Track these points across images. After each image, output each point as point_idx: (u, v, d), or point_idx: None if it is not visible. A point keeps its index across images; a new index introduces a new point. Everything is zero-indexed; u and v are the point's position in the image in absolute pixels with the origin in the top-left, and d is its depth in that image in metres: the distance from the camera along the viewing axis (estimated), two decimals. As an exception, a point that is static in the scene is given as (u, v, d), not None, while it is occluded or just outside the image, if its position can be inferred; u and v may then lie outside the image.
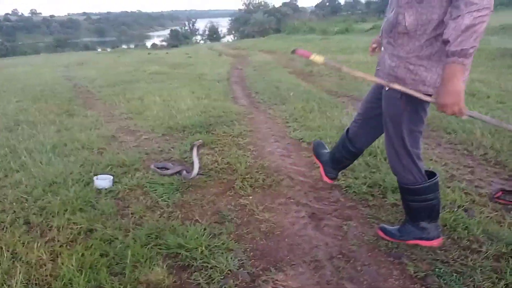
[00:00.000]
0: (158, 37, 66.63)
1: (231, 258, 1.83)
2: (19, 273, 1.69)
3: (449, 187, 2.53)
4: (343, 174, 2.70)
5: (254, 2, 52.47)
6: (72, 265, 1.74)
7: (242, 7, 53.92)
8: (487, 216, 2.17)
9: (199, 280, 1.71)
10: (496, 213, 2.23)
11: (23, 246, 1.91)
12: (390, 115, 1.77)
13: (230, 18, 57.20)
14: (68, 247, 1.94)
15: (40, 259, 1.83)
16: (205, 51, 16.91)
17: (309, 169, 2.91)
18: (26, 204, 2.38)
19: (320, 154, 2.49)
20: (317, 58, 1.70)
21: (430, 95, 1.61)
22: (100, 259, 1.81)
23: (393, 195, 2.40)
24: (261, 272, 1.78)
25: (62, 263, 1.77)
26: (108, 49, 28.71)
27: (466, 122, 3.73)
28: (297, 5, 58.59)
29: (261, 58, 12.07)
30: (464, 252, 1.87)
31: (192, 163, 2.74)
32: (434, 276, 1.71)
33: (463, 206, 2.29)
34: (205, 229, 2.07)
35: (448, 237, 1.99)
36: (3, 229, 2.08)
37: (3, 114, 4.75)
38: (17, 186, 2.62)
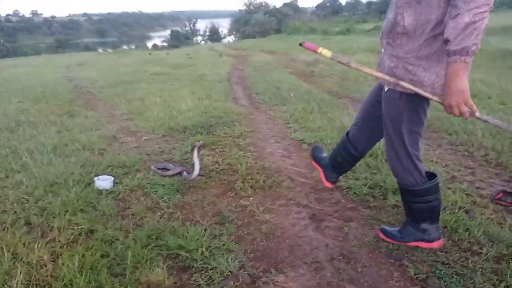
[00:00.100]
0: (158, 38, 66.63)
1: (232, 259, 1.83)
2: (20, 273, 1.69)
3: (450, 189, 2.53)
4: (344, 175, 2.69)
5: (255, 2, 52.50)
6: (73, 266, 1.74)
7: (243, 8, 53.95)
8: (488, 218, 2.17)
9: (200, 281, 1.71)
10: (497, 214, 2.22)
11: (24, 246, 1.92)
12: (390, 116, 1.77)
13: (230, 19, 57.27)
14: (68, 247, 1.94)
15: (41, 259, 1.83)
16: (205, 52, 16.90)
17: (309, 170, 2.91)
18: (27, 204, 2.38)
19: (319, 158, 2.42)
20: (325, 51, 1.67)
21: None
22: (100, 260, 1.81)
23: (394, 197, 2.40)
24: (261, 274, 1.78)
25: (63, 264, 1.77)
26: (109, 50, 28.69)
27: (467, 124, 3.72)
28: (298, 6, 58.60)
29: (261, 58, 12.08)
30: (465, 253, 1.87)
31: (193, 164, 2.74)
32: (434, 278, 1.71)
33: (464, 207, 2.28)
34: (205, 230, 2.07)
35: (448, 238, 1.99)
36: (4, 229, 2.09)
37: (4, 115, 4.76)
38: (18, 187, 2.63)
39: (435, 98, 1.57)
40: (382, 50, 1.79)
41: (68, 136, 3.79)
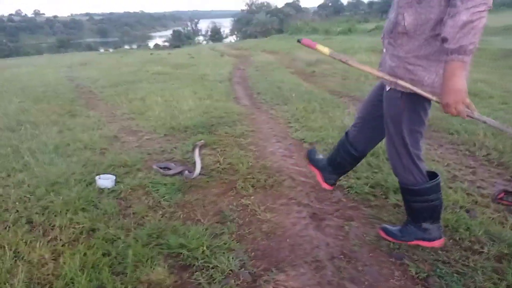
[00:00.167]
0: (160, 38, 66.77)
1: (233, 258, 1.84)
2: (21, 272, 1.70)
3: (451, 188, 2.53)
4: (345, 174, 2.69)
5: (257, 2, 52.44)
6: (74, 265, 1.74)
7: (245, 8, 53.84)
8: (489, 217, 2.17)
9: (200, 280, 1.71)
10: (498, 214, 2.22)
11: (26, 245, 1.92)
12: (391, 115, 1.77)
13: (232, 19, 57.16)
14: (70, 246, 1.95)
15: (42, 258, 1.84)
16: (207, 52, 16.89)
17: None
18: (28, 203, 2.39)
19: (315, 160, 2.37)
20: (322, 48, 1.68)
21: None
22: (102, 259, 1.81)
23: (395, 196, 2.40)
24: (262, 272, 1.78)
25: (64, 263, 1.78)
26: (111, 50, 28.74)
27: (468, 123, 3.72)
28: (300, 6, 58.48)
29: (263, 58, 12.07)
30: (466, 253, 1.87)
31: (194, 163, 2.74)
32: (435, 277, 1.71)
33: (465, 207, 2.28)
34: (206, 229, 2.07)
35: (450, 238, 1.99)
36: (6, 228, 2.09)
37: (5, 115, 4.77)
38: (20, 186, 2.63)
39: (433, 98, 1.57)
40: (384, 50, 1.79)
41: (69, 135, 3.80)
